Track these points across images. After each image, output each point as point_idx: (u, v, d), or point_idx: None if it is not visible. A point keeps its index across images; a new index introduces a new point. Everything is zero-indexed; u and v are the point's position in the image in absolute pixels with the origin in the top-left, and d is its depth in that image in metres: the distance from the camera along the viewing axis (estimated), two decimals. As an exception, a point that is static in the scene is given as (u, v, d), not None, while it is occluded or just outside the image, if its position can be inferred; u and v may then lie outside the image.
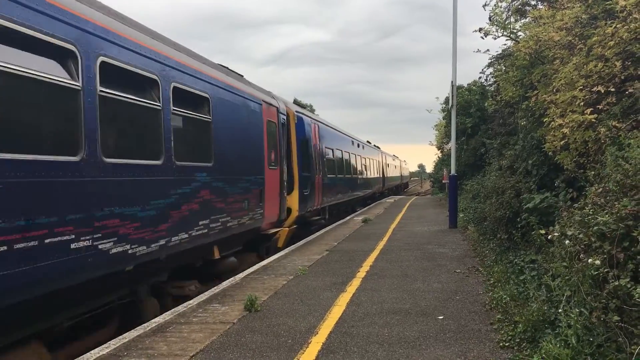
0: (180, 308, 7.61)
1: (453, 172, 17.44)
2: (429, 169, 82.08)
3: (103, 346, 5.99)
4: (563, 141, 7.79)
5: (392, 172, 50.10)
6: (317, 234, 16.71)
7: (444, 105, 31.90)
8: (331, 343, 5.87)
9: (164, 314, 7.33)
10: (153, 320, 7.00)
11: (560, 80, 8.17)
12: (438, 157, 42.96)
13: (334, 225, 19.44)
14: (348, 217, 22.79)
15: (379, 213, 24.68)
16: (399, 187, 58.23)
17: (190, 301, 8.04)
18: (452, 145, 18.02)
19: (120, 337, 6.32)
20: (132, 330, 6.57)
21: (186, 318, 7.10)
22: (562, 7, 9.87)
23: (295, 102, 55.56)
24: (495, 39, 12.56)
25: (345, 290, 8.45)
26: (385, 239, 14.74)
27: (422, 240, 14.24)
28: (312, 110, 67.32)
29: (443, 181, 32.72)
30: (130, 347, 5.95)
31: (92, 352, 5.81)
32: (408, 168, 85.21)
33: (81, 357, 5.66)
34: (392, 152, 67.09)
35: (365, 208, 29.16)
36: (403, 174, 66.58)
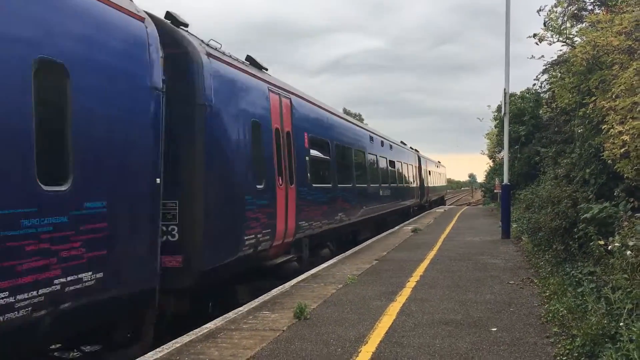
0: (231, 314, 7.70)
1: (506, 181, 17.08)
2: (480, 178, 79.51)
3: (156, 350, 6.12)
4: (623, 149, 7.51)
5: (386, 177, 23.20)
6: (366, 243, 16.64)
7: (496, 114, 31.35)
8: (381, 353, 5.81)
9: (214, 320, 7.43)
10: (204, 326, 7.11)
11: (620, 85, 7.89)
12: (490, 166, 42.14)
13: (383, 234, 19.32)
14: (397, 227, 22.61)
15: (429, 223, 24.38)
16: (412, 209, 31.06)
17: (240, 308, 8.13)
18: (504, 154, 17.67)
19: (173, 341, 6.44)
20: (184, 335, 6.69)
21: (236, 324, 7.18)
22: (621, 11, 9.56)
23: (345, 111, 52.53)
24: (550, 44, 12.29)
25: (395, 299, 8.37)
26: (436, 248, 14.53)
27: (473, 250, 13.97)
28: (362, 119, 64.94)
29: (495, 191, 32.07)
30: (182, 351, 6.05)
31: (146, 355, 5.94)
32: (445, 173, 59.56)
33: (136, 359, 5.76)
34: (435, 159, 50.21)
35: (416, 217, 28.83)
36: (432, 184, 42.67)
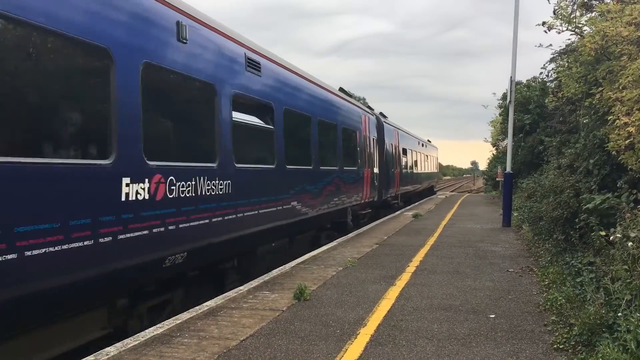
0: (232, 293, 7.76)
1: (509, 169, 17.07)
2: (482, 166, 78.93)
3: (157, 326, 6.18)
4: (628, 140, 7.49)
5: (261, 149, 9.85)
6: (368, 226, 16.69)
7: (501, 102, 31.22)
8: (380, 335, 5.86)
9: (215, 298, 7.49)
10: (205, 304, 7.17)
11: (628, 77, 7.84)
12: (492, 154, 42.01)
13: (384, 218, 19.37)
14: (398, 212, 22.64)
15: (430, 209, 24.41)
16: (354, 213, 16.99)
17: (241, 287, 8.19)
18: (508, 142, 17.63)
19: (174, 318, 6.51)
20: (185, 313, 6.76)
21: (237, 303, 7.23)
22: (632, 1, 9.47)
23: (348, 94, 51.21)
24: (559, 33, 12.17)
25: (394, 284, 8.42)
26: (436, 234, 14.57)
27: (473, 237, 14.01)
28: (366, 104, 64.26)
29: (497, 179, 32.06)
30: (182, 328, 6.11)
31: (146, 331, 6.01)
32: (435, 156, 46.07)
33: (137, 335, 5.87)
34: (425, 137, 39.64)
35: (417, 203, 28.81)
36: (411, 169, 29.60)
